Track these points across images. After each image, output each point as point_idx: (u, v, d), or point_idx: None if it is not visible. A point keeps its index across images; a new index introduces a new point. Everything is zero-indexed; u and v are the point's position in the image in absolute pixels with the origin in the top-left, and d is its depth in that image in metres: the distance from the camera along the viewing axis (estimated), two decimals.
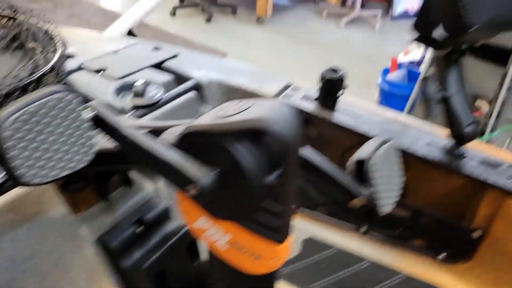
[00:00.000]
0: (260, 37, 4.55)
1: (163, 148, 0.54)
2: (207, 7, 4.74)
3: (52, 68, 0.83)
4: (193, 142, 0.53)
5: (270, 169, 0.53)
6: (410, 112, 3.01)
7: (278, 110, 0.52)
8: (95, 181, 0.83)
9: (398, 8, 5.17)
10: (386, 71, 3.37)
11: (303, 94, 1.08)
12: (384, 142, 0.71)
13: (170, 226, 0.84)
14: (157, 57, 1.08)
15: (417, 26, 0.82)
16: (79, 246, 0.75)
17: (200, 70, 1.07)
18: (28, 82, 0.72)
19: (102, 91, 0.93)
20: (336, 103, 1.05)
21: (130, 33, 3.37)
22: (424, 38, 0.85)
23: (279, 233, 0.58)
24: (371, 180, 0.66)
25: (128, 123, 0.57)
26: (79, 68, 1.00)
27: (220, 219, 0.60)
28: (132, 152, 0.57)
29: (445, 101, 0.92)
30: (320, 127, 1.05)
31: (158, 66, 1.07)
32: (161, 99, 0.94)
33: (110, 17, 3.41)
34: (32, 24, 0.98)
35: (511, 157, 0.99)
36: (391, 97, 3.23)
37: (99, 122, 0.55)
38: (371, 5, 5.48)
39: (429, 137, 1.01)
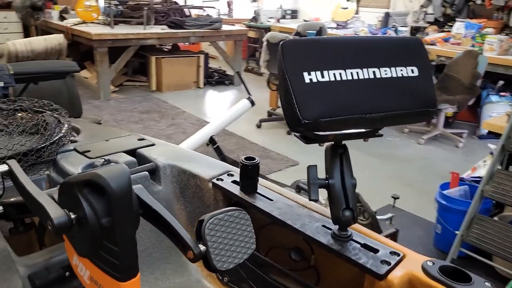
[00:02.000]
0: None
1: (40, 193, 0.83)
2: None
3: (51, 144, 1.23)
4: (66, 191, 0.80)
5: (104, 214, 0.77)
6: (468, 228, 2.87)
7: (115, 171, 0.78)
8: (36, 229, 1.13)
9: None
10: (444, 185, 3.30)
11: (234, 179, 1.29)
12: (234, 211, 0.92)
13: None
14: (133, 145, 1.41)
15: (288, 124, 1.02)
16: (10, 278, 1.01)
17: (162, 157, 1.37)
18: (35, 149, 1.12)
19: (76, 166, 1.27)
20: (256, 187, 1.23)
21: (211, 139, 3.90)
22: (302, 136, 1.04)
23: (119, 272, 0.80)
24: (205, 238, 0.86)
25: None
26: (74, 149, 1.37)
27: (81, 256, 0.84)
28: (23, 196, 0.87)
29: (327, 187, 1.06)
30: (242, 206, 1.24)
31: (134, 151, 1.40)
32: None
33: (202, 126, 3.99)
34: (52, 117, 1.40)
35: (390, 243, 1.05)
36: (448, 212, 3.12)
37: (11, 175, 0.88)
38: (458, 124, 5.43)
39: (325, 220, 1.13)
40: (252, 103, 3.84)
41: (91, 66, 6.58)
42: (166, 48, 7.64)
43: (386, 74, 0.97)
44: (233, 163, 2.02)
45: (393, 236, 2.66)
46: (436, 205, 3.30)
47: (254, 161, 1.22)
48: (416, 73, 0.99)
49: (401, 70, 0.99)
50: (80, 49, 6.96)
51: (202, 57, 6.93)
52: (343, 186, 1.05)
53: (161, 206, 0.91)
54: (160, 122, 5.24)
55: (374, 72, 0.97)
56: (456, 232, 2.93)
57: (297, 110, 0.91)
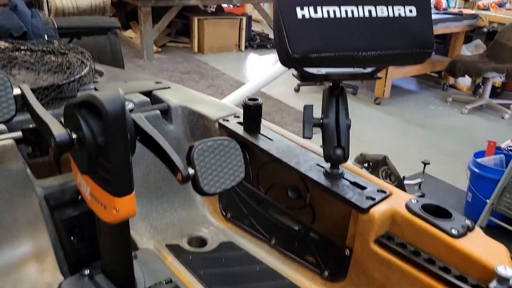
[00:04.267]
0: (375, 116, 4.70)
1: (46, 114, 0.92)
2: None
3: (72, 81, 1.33)
4: (68, 112, 0.89)
5: (99, 133, 0.85)
6: (499, 197, 2.80)
7: (110, 94, 0.85)
8: (53, 156, 1.24)
9: None
10: (479, 154, 3.20)
11: (239, 121, 1.34)
12: (223, 140, 0.98)
13: None
14: (149, 87, 1.49)
15: (280, 60, 1.04)
16: (28, 196, 1.13)
17: (175, 98, 1.44)
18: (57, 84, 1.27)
19: None
20: (259, 127, 1.28)
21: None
22: (300, 75, 1.07)
23: (114, 188, 0.88)
24: (194, 162, 0.93)
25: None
26: (94, 88, 1.46)
27: (82, 173, 0.93)
28: (33, 117, 0.96)
29: (321, 126, 1.09)
30: (244, 145, 1.29)
31: (149, 93, 1.47)
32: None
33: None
34: (75, 58, 1.49)
35: (379, 182, 1.07)
36: (480, 180, 3.04)
37: (23, 98, 0.97)
38: (506, 95, 5.16)
39: (320, 160, 1.16)
40: None
41: (136, 26, 6.75)
42: (210, 10, 7.67)
43: (382, 13, 0.97)
44: None
45: None
46: (468, 173, 3.22)
47: (257, 101, 1.25)
48: (414, 13, 0.98)
49: (399, 9, 0.98)
50: (127, 9, 7.13)
51: (244, 19, 6.91)
52: (337, 126, 1.08)
53: (157, 132, 0.98)
54: (199, 83, 5.34)
55: (370, 10, 0.96)
56: (487, 200, 2.86)
57: (288, 45, 0.94)
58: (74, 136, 0.85)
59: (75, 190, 1.17)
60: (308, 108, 1.08)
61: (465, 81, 5.44)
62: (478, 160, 3.11)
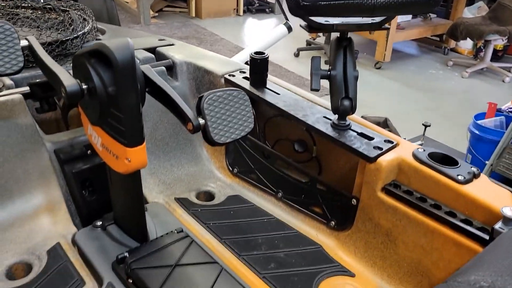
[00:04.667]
0: (375, 80, 4.68)
1: (56, 64, 0.91)
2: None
3: (75, 38, 1.31)
4: (77, 63, 0.88)
5: (110, 83, 0.85)
6: (499, 158, 2.83)
7: (120, 43, 0.85)
8: (61, 111, 1.24)
9: None
10: (480, 115, 3.21)
11: (245, 76, 1.34)
12: (233, 90, 0.98)
13: None
14: (153, 44, 1.48)
15: (289, 9, 1.03)
16: (38, 150, 1.13)
17: (180, 54, 1.43)
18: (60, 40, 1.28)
19: None
20: (265, 82, 1.28)
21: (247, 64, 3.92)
22: (308, 26, 1.06)
23: (125, 138, 0.89)
24: (204, 112, 0.93)
25: None
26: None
27: (93, 124, 0.94)
28: (41, 68, 0.96)
29: (329, 78, 1.09)
30: (252, 101, 1.29)
31: (153, 49, 1.46)
32: None
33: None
34: (77, 15, 1.47)
35: (386, 133, 1.08)
36: (480, 142, 3.06)
37: (30, 50, 0.96)
38: (508, 59, 5.12)
39: (327, 112, 1.17)
40: (289, 29, 3.76)
41: None
42: None
43: None
44: None
45: None
46: (468, 135, 3.24)
47: (263, 55, 1.25)
48: None
49: None
50: None
51: None
52: (345, 77, 1.08)
53: (166, 83, 0.98)
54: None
55: None
56: (486, 162, 2.89)
57: None
58: (84, 86, 0.85)
59: (84, 144, 1.18)
60: (315, 59, 1.08)
61: (466, 45, 5.39)
62: (479, 121, 3.13)
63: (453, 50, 5.55)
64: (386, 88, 4.52)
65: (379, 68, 4.97)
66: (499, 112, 3.23)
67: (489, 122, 3.16)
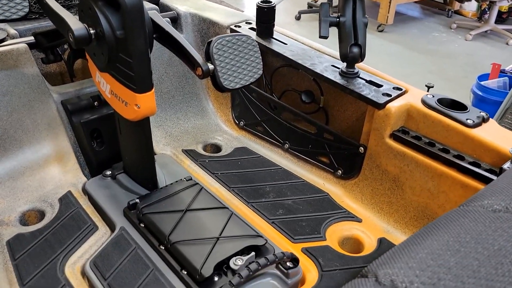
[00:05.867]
0: (378, 43, 4.63)
1: (62, 9, 0.90)
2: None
3: None
4: (84, 7, 0.86)
5: (118, 27, 0.83)
6: (501, 118, 2.83)
7: None
8: (66, 63, 1.23)
9: None
10: (483, 77, 3.19)
11: (251, 26, 1.32)
12: (242, 35, 0.97)
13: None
14: None
15: None
16: (45, 100, 1.13)
17: (184, 6, 1.40)
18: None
19: None
20: (272, 32, 1.26)
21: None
22: None
23: (135, 84, 0.88)
24: (213, 57, 0.92)
25: None
26: None
27: (101, 71, 0.93)
28: (47, 13, 0.94)
29: (338, 25, 1.07)
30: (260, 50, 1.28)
31: (157, 1, 1.44)
32: None
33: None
34: None
35: (395, 81, 1.08)
36: (483, 103, 3.06)
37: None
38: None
39: (335, 61, 1.16)
40: None
41: None
42: None
43: None
44: None
45: None
46: (471, 96, 3.23)
47: (271, 3, 1.23)
48: None
49: None
50: None
51: None
52: (354, 23, 1.06)
53: (173, 29, 0.96)
54: None
55: None
56: None
57: None
58: (92, 31, 0.84)
59: (91, 96, 1.18)
60: (324, 6, 1.07)
61: (470, 7, 5.30)
62: (482, 82, 3.11)
63: (457, 12, 5.46)
64: (389, 51, 4.47)
65: (381, 31, 4.90)
66: (502, 73, 3.21)
67: (492, 83, 3.14)
